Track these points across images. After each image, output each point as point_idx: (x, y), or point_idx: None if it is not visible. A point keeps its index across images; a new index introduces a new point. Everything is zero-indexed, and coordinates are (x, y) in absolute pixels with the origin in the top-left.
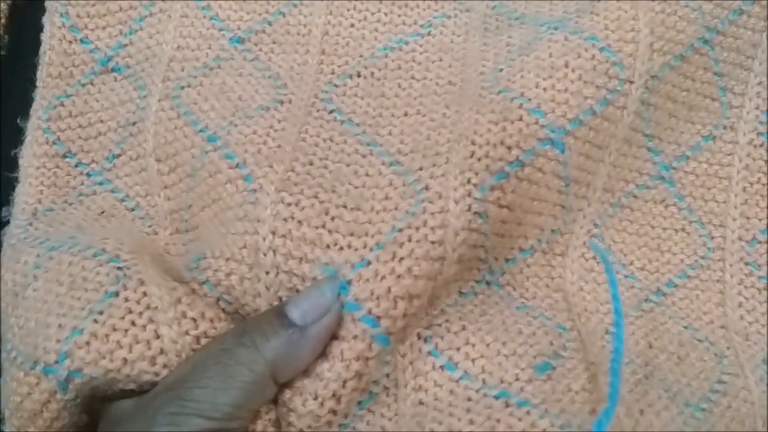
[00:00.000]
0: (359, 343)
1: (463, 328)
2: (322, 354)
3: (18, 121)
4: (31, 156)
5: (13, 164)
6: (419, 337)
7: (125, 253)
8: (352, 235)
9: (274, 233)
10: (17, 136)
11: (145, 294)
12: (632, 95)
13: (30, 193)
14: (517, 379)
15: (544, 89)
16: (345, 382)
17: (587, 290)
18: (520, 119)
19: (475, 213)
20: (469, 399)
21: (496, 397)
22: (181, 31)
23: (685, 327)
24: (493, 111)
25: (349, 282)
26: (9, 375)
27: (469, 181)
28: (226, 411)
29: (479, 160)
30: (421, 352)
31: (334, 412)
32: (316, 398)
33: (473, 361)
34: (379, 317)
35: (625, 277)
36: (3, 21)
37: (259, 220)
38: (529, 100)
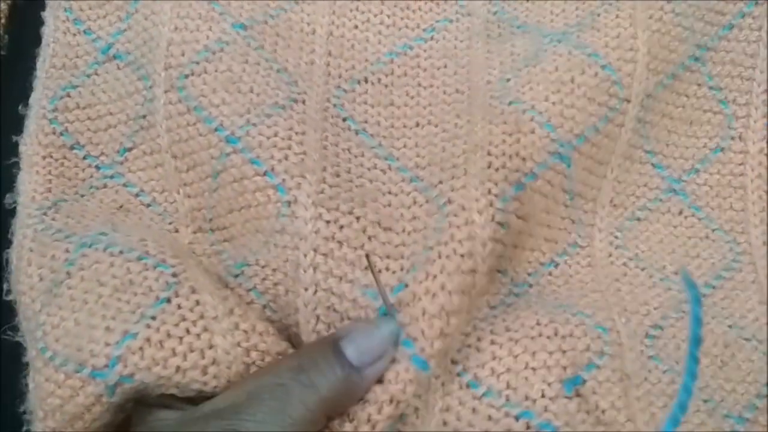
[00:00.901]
0: (396, 365)
1: (492, 342)
2: None
3: (19, 108)
4: (36, 145)
5: (10, 153)
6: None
7: (170, 257)
8: (388, 257)
9: (315, 251)
10: (17, 136)
11: (198, 302)
12: (629, 114)
13: (38, 182)
14: (543, 396)
15: (554, 103)
16: (381, 406)
17: (625, 291)
18: (533, 132)
19: (498, 223)
20: (490, 418)
21: (517, 418)
22: (179, 12)
23: (730, 326)
24: (505, 122)
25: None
26: (43, 376)
27: (489, 192)
28: None
29: (497, 170)
30: (451, 373)
31: None
32: (351, 420)
33: (498, 376)
34: (415, 339)
35: (660, 280)
36: (3, 21)
37: (300, 237)
38: (541, 113)
